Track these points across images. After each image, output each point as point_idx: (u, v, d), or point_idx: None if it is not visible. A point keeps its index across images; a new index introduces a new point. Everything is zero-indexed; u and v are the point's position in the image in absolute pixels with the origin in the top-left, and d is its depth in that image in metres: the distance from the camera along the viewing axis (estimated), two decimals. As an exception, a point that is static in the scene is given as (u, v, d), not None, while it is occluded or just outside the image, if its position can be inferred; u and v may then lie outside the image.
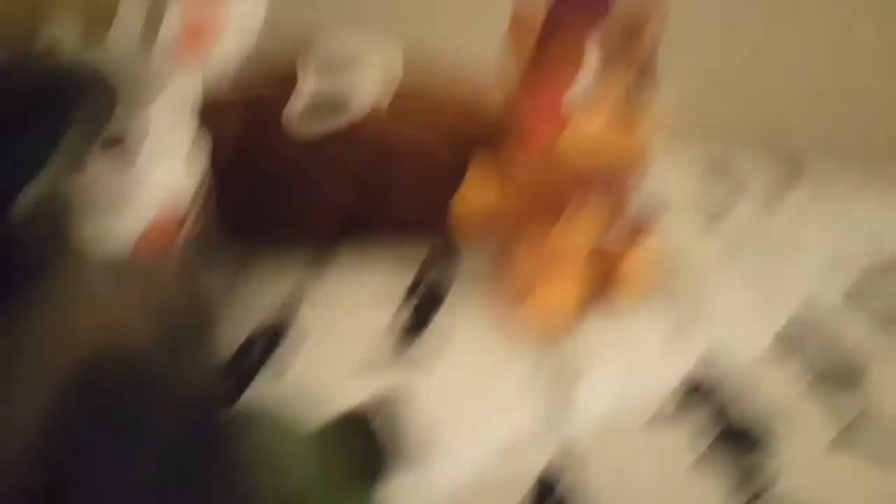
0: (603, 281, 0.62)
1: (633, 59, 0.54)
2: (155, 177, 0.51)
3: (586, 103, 0.53)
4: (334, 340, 0.56)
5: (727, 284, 0.65)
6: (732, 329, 0.59)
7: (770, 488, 0.43)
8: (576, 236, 0.60)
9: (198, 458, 0.19)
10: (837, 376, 0.54)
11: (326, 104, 0.67)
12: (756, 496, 0.43)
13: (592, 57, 0.52)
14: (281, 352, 0.54)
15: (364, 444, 0.29)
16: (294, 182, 0.64)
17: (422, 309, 0.62)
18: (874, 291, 0.66)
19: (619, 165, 0.55)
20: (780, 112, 1.12)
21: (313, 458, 0.26)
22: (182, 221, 0.51)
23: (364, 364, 0.53)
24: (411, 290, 0.64)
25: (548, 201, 0.59)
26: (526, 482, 0.42)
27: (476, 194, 0.59)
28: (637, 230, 0.63)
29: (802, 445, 0.47)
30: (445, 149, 0.66)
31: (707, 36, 1.07)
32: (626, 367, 0.54)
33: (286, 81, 0.75)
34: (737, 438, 0.47)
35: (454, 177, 0.61)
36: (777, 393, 0.52)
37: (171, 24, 0.45)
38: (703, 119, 1.06)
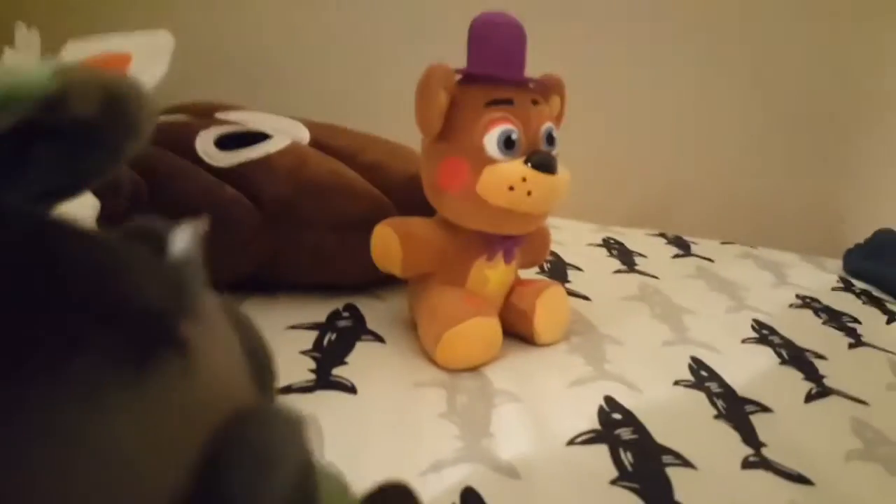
0: (516, 324, 0.63)
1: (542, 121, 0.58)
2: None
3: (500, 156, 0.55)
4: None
5: (632, 331, 0.69)
6: (638, 371, 0.61)
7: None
8: (496, 277, 0.61)
9: None
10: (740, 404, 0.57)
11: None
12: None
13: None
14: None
15: None
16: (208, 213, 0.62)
17: (344, 337, 0.61)
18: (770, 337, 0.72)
19: (535, 212, 0.57)
20: (661, 196, 1.24)
21: None
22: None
23: (283, 388, 0.51)
24: (331, 321, 0.63)
25: (467, 244, 0.60)
26: (450, 499, 0.40)
27: (401, 227, 0.59)
28: (549, 284, 0.65)
29: (716, 466, 0.48)
30: (363, 191, 0.68)
31: (602, 129, 1.19)
32: (541, 398, 0.54)
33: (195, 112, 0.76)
34: (652, 457, 0.48)
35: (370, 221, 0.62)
36: (688, 421, 0.54)
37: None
38: (599, 200, 1.16)
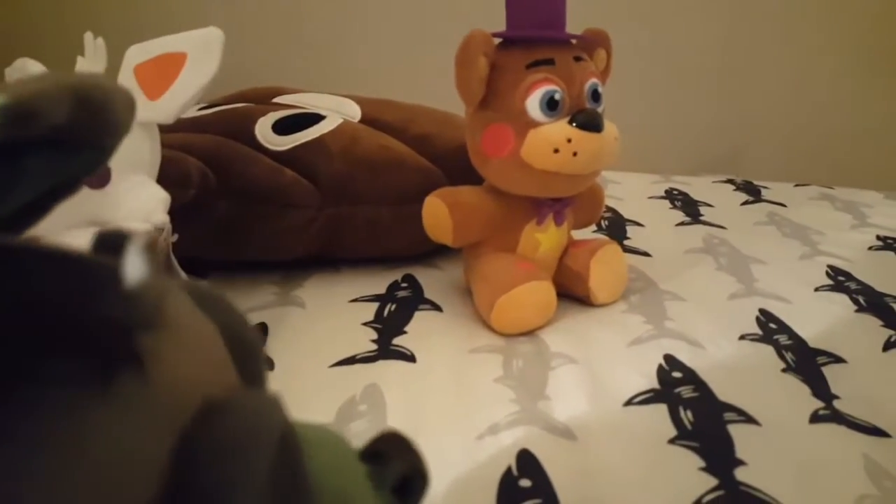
0: (572, 287, 0.63)
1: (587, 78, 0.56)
2: (126, 196, 0.53)
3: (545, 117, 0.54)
4: (319, 337, 0.57)
5: (695, 286, 0.67)
6: (701, 327, 0.60)
7: (742, 465, 0.43)
8: (547, 240, 0.61)
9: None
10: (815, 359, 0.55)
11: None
12: (731, 470, 0.42)
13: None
14: (268, 348, 0.55)
15: (407, 462, 0.27)
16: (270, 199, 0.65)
17: (403, 307, 0.63)
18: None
19: (583, 173, 0.56)
20: (731, 140, 1.18)
21: (365, 475, 0.25)
22: (154, 242, 0.52)
23: (347, 359, 0.53)
24: (390, 292, 0.65)
25: (516, 210, 0.60)
26: (501, 467, 0.42)
27: (446, 207, 0.60)
28: (603, 242, 0.65)
29: (782, 421, 0.47)
30: (414, 165, 0.69)
31: (670, 73, 1.14)
32: (599, 359, 0.54)
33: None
34: (713, 415, 0.47)
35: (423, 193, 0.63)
36: (754, 376, 0.53)
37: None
38: (663, 149, 1.12)
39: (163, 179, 0.55)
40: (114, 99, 0.18)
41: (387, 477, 0.24)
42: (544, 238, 0.61)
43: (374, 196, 0.68)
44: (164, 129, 0.57)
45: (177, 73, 0.55)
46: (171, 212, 0.54)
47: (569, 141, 0.53)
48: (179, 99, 0.54)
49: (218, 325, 0.21)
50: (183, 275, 0.54)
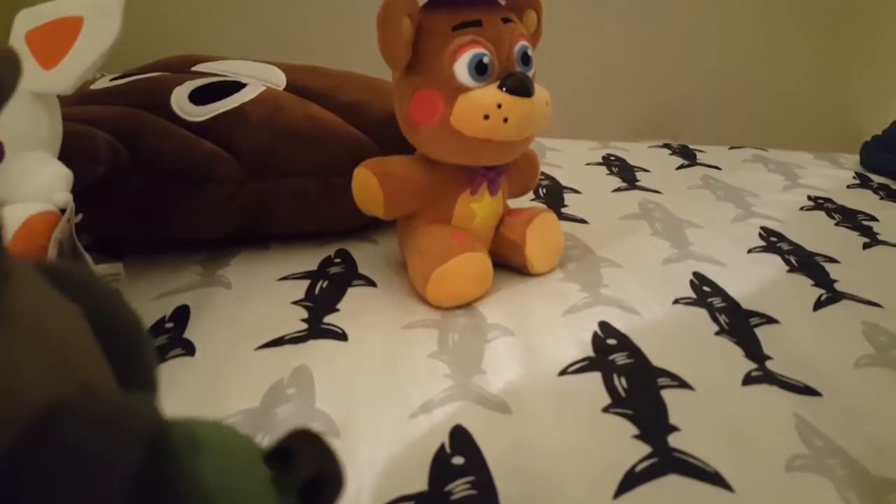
0: (507, 255, 0.62)
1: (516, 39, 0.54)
2: (23, 175, 0.48)
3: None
4: (245, 318, 0.54)
5: (630, 251, 0.67)
6: (636, 293, 0.59)
7: (675, 431, 0.42)
8: (482, 210, 0.60)
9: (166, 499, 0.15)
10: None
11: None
12: (664, 437, 0.42)
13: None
14: (190, 332, 0.51)
15: (316, 464, 0.25)
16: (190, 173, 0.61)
17: (335, 284, 0.60)
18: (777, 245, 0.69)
19: (515, 139, 0.54)
20: (671, 106, 1.19)
21: (267, 478, 0.23)
22: (55, 220, 0.48)
23: (274, 340, 0.51)
24: (322, 269, 0.63)
25: (449, 179, 0.58)
26: (435, 446, 0.40)
27: (376, 178, 0.57)
28: (539, 211, 0.63)
29: (715, 384, 0.47)
30: (343, 133, 0.66)
31: (606, 39, 1.13)
32: (535, 330, 0.53)
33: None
34: (646, 381, 0.47)
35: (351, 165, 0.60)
36: (687, 340, 0.53)
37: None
38: (602, 116, 1.12)
39: (66, 156, 0.51)
40: None
41: (293, 481, 0.22)
42: (479, 208, 0.59)
43: (299, 168, 0.65)
44: (70, 102, 0.52)
45: (73, 40, 0.51)
46: (79, 190, 0.50)
47: (499, 106, 0.51)
48: (77, 67, 0.50)
49: (90, 315, 0.18)
50: (88, 258, 0.50)
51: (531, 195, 0.79)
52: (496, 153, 0.56)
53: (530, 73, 0.55)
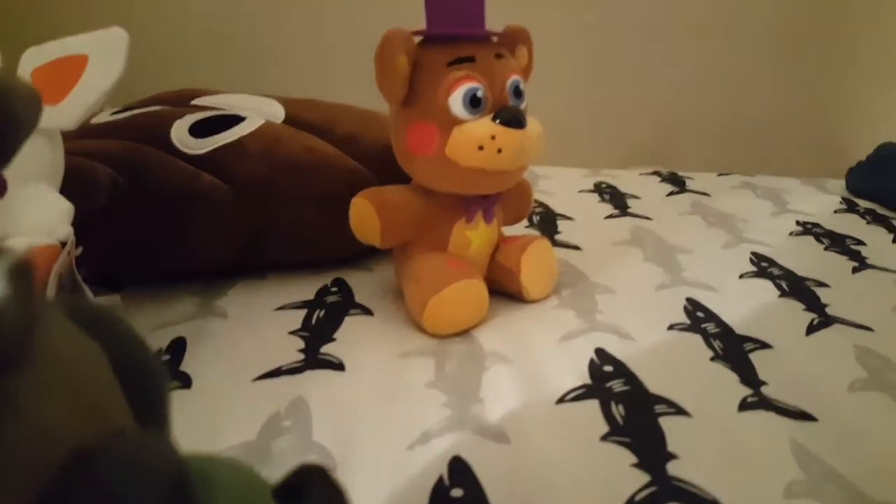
0: (503, 283, 0.62)
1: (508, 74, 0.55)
2: (26, 208, 0.49)
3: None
4: (242, 348, 0.54)
5: (624, 277, 0.68)
6: (631, 319, 0.60)
7: (673, 458, 0.43)
8: (477, 238, 0.60)
9: None
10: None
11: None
12: (663, 465, 0.42)
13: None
14: (186, 364, 0.52)
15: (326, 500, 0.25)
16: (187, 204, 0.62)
17: (332, 313, 0.61)
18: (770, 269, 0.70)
19: (508, 169, 0.56)
20: (657, 134, 1.21)
21: None
22: (56, 253, 0.48)
23: (271, 372, 0.51)
24: (319, 298, 0.63)
25: (445, 208, 0.59)
26: (433, 478, 0.40)
27: (373, 207, 0.58)
28: (533, 238, 0.64)
29: (712, 411, 0.48)
30: (338, 164, 0.67)
31: (594, 69, 1.16)
32: (532, 357, 0.53)
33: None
34: (643, 409, 0.47)
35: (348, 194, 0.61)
36: (683, 366, 0.53)
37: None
38: (593, 144, 1.14)
39: (68, 189, 0.51)
40: (13, 94, 0.16)
41: None
42: (475, 235, 0.60)
43: (297, 198, 0.65)
44: (71, 136, 0.53)
45: (77, 77, 0.52)
46: (78, 223, 0.50)
47: (493, 138, 0.52)
48: (81, 103, 0.51)
49: (109, 353, 0.19)
50: (88, 291, 0.50)
51: (525, 222, 0.79)
52: (490, 182, 0.57)
53: (522, 106, 0.56)
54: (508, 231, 0.67)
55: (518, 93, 0.56)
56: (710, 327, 0.59)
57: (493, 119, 0.53)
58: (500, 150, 0.53)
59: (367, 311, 0.62)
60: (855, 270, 0.73)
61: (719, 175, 1.05)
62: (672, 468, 0.41)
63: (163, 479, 0.14)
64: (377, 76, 0.54)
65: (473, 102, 0.53)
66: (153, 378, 0.20)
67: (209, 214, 0.63)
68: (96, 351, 0.18)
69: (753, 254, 0.75)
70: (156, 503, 0.14)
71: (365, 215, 0.58)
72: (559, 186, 0.92)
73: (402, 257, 0.61)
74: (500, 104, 0.54)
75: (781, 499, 0.39)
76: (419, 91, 0.54)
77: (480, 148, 0.52)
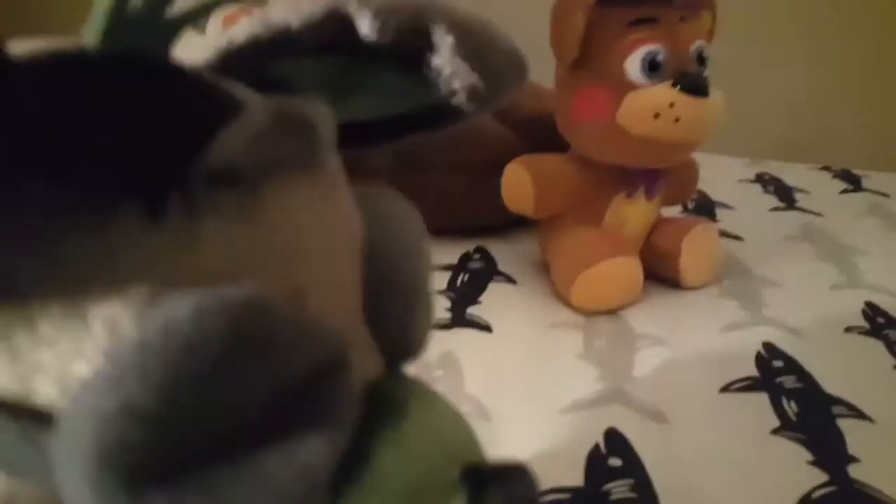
0: (661, 266, 0.59)
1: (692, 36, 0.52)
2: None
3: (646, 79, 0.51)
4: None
5: (793, 273, 0.62)
6: (802, 316, 0.55)
7: (854, 461, 0.38)
8: (635, 215, 0.57)
9: None
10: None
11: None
12: (843, 466, 0.38)
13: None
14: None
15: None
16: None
17: (476, 278, 0.60)
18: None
19: (684, 141, 0.52)
20: (831, 126, 1.11)
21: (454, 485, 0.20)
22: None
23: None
24: (463, 263, 0.63)
25: (604, 184, 0.57)
26: (588, 444, 0.39)
27: (527, 176, 0.57)
28: (695, 220, 0.61)
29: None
30: (495, 132, 0.66)
31: (758, 51, 1.08)
32: (690, 343, 0.50)
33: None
34: (820, 408, 0.43)
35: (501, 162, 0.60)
36: (862, 371, 0.48)
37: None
38: (755, 132, 1.06)
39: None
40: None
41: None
42: (632, 212, 0.57)
43: (445, 164, 0.65)
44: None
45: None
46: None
47: (671, 105, 0.49)
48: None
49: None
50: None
51: (679, 207, 0.75)
52: (661, 155, 0.54)
53: (705, 74, 0.53)
54: (665, 213, 0.63)
55: (702, 60, 0.52)
56: (893, 335, 0.53)
57: (673, 85, 0.50)
58: (677, 119, 0.49)
59: (511, 280, 0.61)
60: None
61: None
62: (854, 471, 0.37)
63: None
64: (552, 32, 0.52)
65: (652, 66, 0.50)
66: (410, 290, 0.20)
67: (363, 177, 0.64)
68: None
69: (946, 262, 0.67)
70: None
71: (520, 184, 0.57)
72: (716, 173, 0.86)
73: (551, 229, 0.60)
74: (681, 70, 0.50)
75: None
76: (593, 52, 0.52)
77: (656, 116, 0.49)
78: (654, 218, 0.59)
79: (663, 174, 0.57)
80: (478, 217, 0.68)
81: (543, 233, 0.62)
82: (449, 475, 0.19)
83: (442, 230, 0.68)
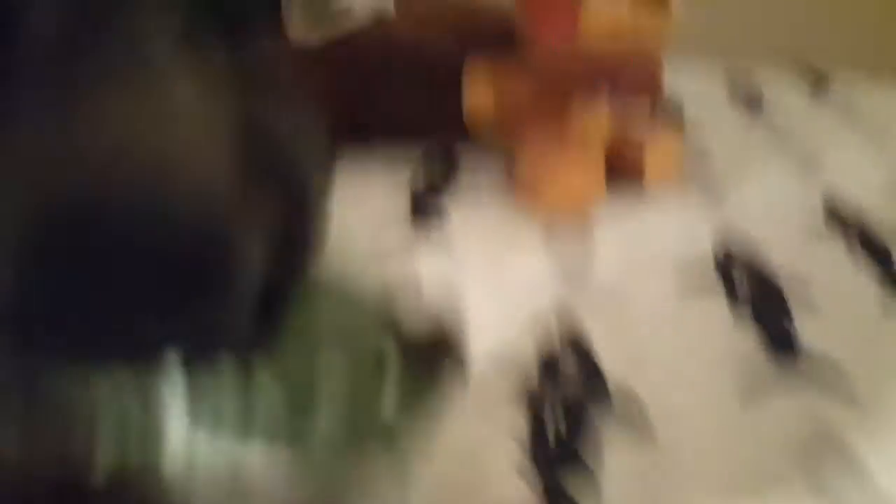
0: (623, 168, 0.59)
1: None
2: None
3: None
4: (345, 231, 0.56)
5: (756, 172, 0.63)
6: (760, 211, 0.56)
7: (805, 351, 0.40)
8: (594, 122, 0.58)
9: None
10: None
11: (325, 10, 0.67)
12: (787, 360, 0.39)
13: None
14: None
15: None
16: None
17: (432, 198, 0.60)
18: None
19: (638, 49, 0.53)
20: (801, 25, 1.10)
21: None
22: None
23: (378, 252, 0.52)
24: (421, 182, 0.63)
25: (565, 89, 0.57)
26: (541, 353, 0.40)
27: (487, 87, 0.57)
28: (660, 122, 0.61)
29: (843, 312, 0.44)
30: (451, 47, 0.65)
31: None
32: (646, 245, 0.52)
33: None
34: (768, 306, 0.45)
35: (458, 75, 0.59)
36: (815, 264, 0.50)
37: None
38: (723, 31, 1.04)
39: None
40: None
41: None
42: (597, 114, 0.57)
43: (403, 83, 0.65)
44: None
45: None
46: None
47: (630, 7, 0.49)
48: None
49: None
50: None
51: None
52: (621, 56, 0.54)
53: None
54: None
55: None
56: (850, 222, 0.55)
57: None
58: (637, 22, 0.50)
59: (476, 186, 0.61)
60: None
61: (870, 75, 0.93)
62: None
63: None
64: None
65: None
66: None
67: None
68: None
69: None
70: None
71: (480, 94, 0.57)
72: (682, 80, 0.86)
73: (516, 138, 0.60)
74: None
75: None
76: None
77: (616, 20, 0.50)
78: (617, 122, 0.59)
79: (624, 77, 0.57)
80: (442, 131, 0.68)
81: (507, 138, 0.62)
82: (378, 337, 0.21)
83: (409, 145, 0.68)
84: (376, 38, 0.65)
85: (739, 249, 0.50)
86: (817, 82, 0.90)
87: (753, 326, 0.41)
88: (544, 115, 0.58)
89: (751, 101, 0.84)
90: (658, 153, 0.59)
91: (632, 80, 0.58)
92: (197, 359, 0.15)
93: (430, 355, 0.23)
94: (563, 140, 0.57)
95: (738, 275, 0.47)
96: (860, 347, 0.39)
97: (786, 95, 0.86)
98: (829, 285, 0.45)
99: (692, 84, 0.85)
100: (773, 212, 0.56)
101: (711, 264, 0.48)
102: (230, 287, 0.13)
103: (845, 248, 0.51)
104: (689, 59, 0.92)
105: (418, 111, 0.65)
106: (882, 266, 0.48)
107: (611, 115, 0.58)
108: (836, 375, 0.36)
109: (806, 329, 0.41)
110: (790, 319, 0.41)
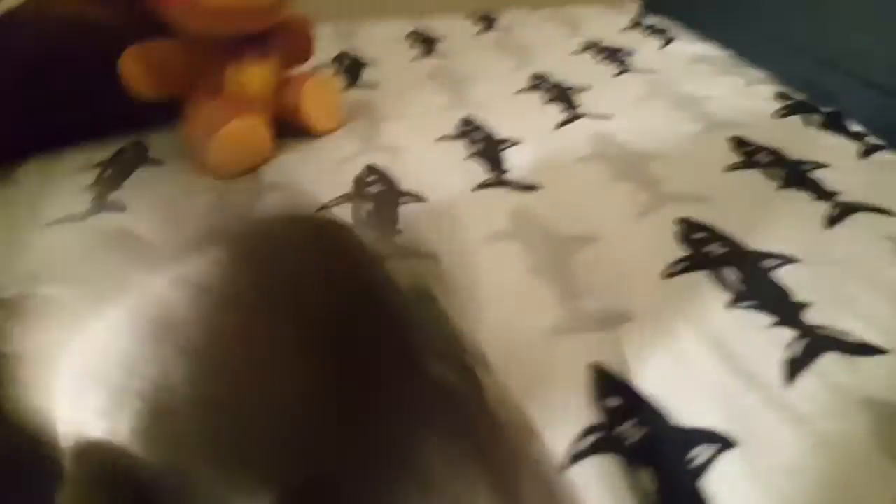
0: (290, 119, 0.66)
1: None
2: None
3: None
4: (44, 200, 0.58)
5: (414, 106, 0.74)
6: (408, 137, 0.67)
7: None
8: (253, 78, 0.63)
9: None
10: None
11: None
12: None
13: None
14: None
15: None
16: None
17: (122, 167, 0.63)
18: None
19: (260, 4, 0.59)
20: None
21: None
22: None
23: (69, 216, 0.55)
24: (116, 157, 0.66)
25: (214, 56, 0.62)
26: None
27: (140, 64, 0.60)
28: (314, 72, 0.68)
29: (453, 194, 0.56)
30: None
31: None
32: (308, 183, 0.59)
33: None
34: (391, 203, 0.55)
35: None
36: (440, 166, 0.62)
37: None
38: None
39: None
40: None
41: None
42: (250, 77, 0.62)
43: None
44: None
45: None
46: None
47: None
48: None
49: None
50: None
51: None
52: (248, 19, 0.60)
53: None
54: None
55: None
56: (476, 135, 0.67)
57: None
58: None
59: (159, 163, 0.65)
60: (616, 75, 0.81)
61: (532, 10, 1.07)
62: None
63: None
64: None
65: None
66: None
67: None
68: None
69: (533, 74, 0.81)
70: None
71: (133, 71, 0.60)
72: (373, 41, 0.94)
73: (186, 108, 0.64)
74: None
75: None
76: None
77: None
78: (274, 78, 0.65)
79: (266, 37, 0.63)
80: (115, 112, 0.68)
81: (183, 113, 0.66)
82: None
83: (96, 133, 0.69)
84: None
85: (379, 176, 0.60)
86: (486, 22, 1.03)
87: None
88: (204, 84, 0.62)
89: (427, 43, 0.95)
90: (314, 99, 0.66)
91: (278, 39, 0.64)
92: None
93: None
94: (226, 103, 0.61)
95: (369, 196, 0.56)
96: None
97: (458, 35, 0.98)
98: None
99: (377, 39, 0.95)
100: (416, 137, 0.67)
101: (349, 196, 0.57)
102: None
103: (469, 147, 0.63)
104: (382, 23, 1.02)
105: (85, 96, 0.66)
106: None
107: (265, 73, 0.64)
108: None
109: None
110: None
